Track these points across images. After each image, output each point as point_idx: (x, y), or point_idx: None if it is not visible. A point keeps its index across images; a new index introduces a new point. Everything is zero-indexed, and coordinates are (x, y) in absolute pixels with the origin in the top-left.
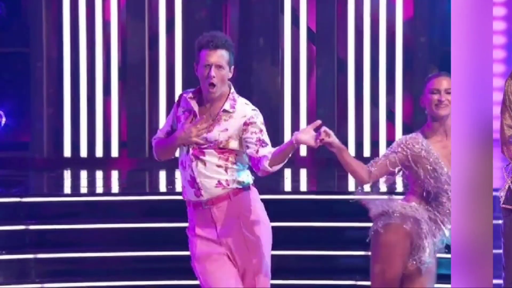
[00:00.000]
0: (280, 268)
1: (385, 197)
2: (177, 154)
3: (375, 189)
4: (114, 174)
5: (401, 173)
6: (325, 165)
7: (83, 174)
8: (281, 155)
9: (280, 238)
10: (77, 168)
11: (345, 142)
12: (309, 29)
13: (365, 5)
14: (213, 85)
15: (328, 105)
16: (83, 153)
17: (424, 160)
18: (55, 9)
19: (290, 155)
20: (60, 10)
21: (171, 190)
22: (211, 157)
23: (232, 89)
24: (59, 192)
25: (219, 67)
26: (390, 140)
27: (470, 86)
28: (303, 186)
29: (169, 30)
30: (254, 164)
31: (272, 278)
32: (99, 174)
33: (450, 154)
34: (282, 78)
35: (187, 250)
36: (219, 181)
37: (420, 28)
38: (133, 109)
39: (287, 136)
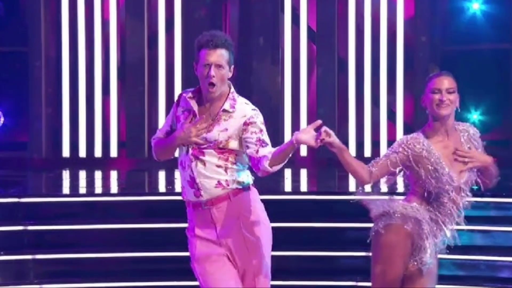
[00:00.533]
0: (280, 269)
1: (386, 197)
2: (176, 154)
3: (376, 189)
4: (113, 174)
5: (402, 173)
6: (325, 165)
7: (82, 174)
8: (281, 155)
9: (280, 239)
10: (76, 168)
11: (345, 142)
12: (309, 28)
13: (366, 4)
14: (212, 84)
15: (329, 105)
16: (82, 153)
17: (425, 160)
18: (54, 8)
19: (290, 155)
20: (59, 9)
21: (170, 191)
22: (211, 157)
23: (232, 89)
24: (58, 192)
25: (218, 66)
26: (391, 140)
27: None
28: (304, 187)
29: (168, 29)
30: (254, 164)
31: (272, 279)
32: (98, 174)
33: (452, 154)
34: (282, 78)
35: (186, 251)
36: (218, 181)
37: (421, 27)
38: (132, 109)
39: (287, 136)
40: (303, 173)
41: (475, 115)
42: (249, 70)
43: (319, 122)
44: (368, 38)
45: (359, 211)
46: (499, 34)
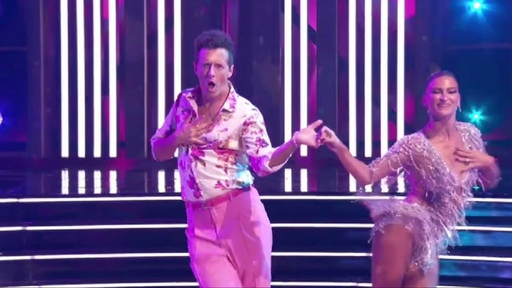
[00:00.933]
0: (280, 269)
1: (387, 197)
2: (176, 154)
3: (376, 189)
4: (112, 175)
5: (402, 173)
6: (326, 165)
7: (81, 175)
8: (282, 155)
9: (280, 239)
10: (75, 169)
11: (346, 142)
12: (309, 28)
13: (367, 3)
14: (212, 84)
15: (329, 105)
16: (81, 153)
17: (426, 160)
18: (53, 7)
19: (290, 155)
20: (58, 8)
21: (170, 191)
22: (211, 157)
23: (232, 89)
24: (57, 192)
25: (218, 66)
26: (391, 140)
27: None
28: (304, 187)
29: (168, 28)
30: (254, 164)
31: (272, 280)
32: (97, 175)
33: (453, 154)
34: (282, 77)
35: (186, 251)
36: (218, 182)
37: (422, 27)
38: (132, 108)
39: (288, 136)
40: (303, 173)
41: (476, 115)
42: (249, 69)
43: (320, 122)
44: (368, 38)
45: (360, 211)
46: (500, 34)
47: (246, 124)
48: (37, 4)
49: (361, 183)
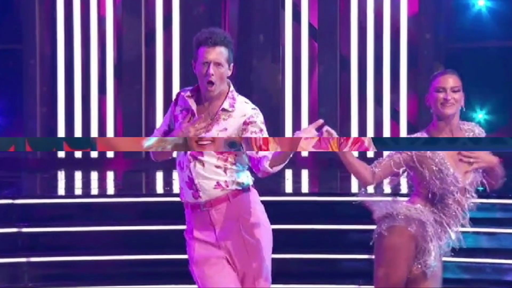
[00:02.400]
0: (281, 272)
1: (389, 198)
2: (174, 154)
3: (378, 190)
4: (110, 175)
5: (405, 174)
6: (327, 165)
7: (78, 175)
8: (282, 155)
9: (281, 241)
10: (72, 169)
11: None
12: (310, 25)
13: (369, 0)
14: (211, 83)
15: (331, 104)
16: (78, 153)
17: (429, 160)
18: (49, 5)
19: (291, 156)
20: (54, 5)
21: (168, 192)
22: (210, 157)
23: (231, 87)
24: (53, 193)
25: (217, 64)
26: None
27: None
28: (305, 188)
29: (166, 26)
30: (254, 165)
31: (273, 282)
32: (94, 175)
33: (456, 154)
34: (283, 76)
35: (185, 253)
36: (218, 182)
37: (425, 25)
38: (129, 107)
39: (288, 135)
40: (304, 173)
41: (480, 114)
42: (249, 68)
43: (321, 121)
44: (371, 36)
45: (362, 212)
46: (505, 32)
47: (246, 123)
48: (33, 1)
49: (363, 184)
